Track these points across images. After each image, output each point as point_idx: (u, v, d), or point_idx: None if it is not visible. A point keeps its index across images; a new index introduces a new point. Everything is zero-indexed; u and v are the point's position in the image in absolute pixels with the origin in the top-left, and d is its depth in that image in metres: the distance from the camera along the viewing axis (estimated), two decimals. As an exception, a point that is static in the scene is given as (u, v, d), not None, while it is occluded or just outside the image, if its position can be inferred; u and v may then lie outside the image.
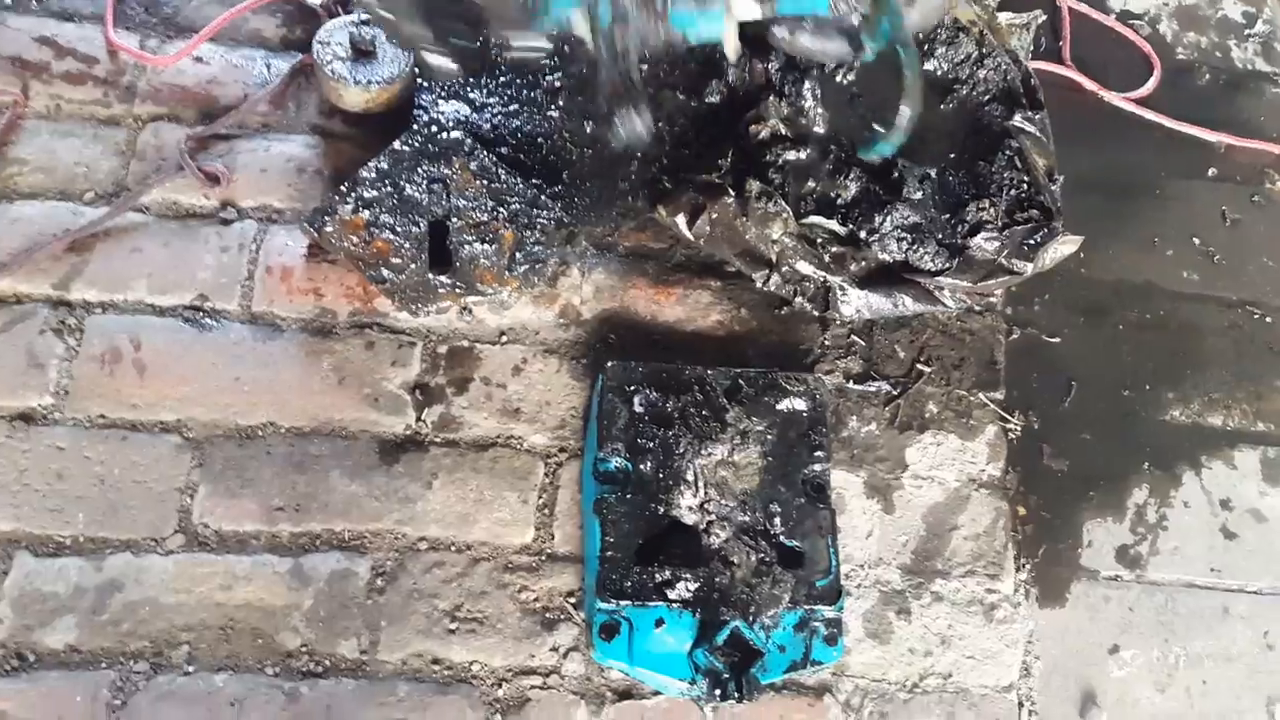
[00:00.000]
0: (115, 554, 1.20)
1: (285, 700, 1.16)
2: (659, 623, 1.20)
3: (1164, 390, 1.51)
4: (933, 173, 1.41)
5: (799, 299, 1.40)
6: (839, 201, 1.40)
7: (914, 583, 1.32)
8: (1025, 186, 1.41)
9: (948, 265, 1.37)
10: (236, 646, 1.18)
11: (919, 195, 1.39)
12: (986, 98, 1.49)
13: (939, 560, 1.34)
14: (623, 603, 1.20)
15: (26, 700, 1.13)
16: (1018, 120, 1.45)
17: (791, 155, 1.39)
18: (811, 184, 1.39)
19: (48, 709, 1.13)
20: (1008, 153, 1.43)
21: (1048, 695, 1.30)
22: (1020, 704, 1.29)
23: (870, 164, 1.40)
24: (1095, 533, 1.40)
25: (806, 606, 1.23)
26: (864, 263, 1.39)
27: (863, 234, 1.37)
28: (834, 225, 1.37)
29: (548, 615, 1.25)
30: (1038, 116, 1.45)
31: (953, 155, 1.44)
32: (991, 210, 1.38)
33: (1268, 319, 1.58)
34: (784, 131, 1.38)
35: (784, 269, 1.38)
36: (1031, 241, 1.38)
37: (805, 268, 1.38)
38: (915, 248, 1.37)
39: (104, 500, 1.22)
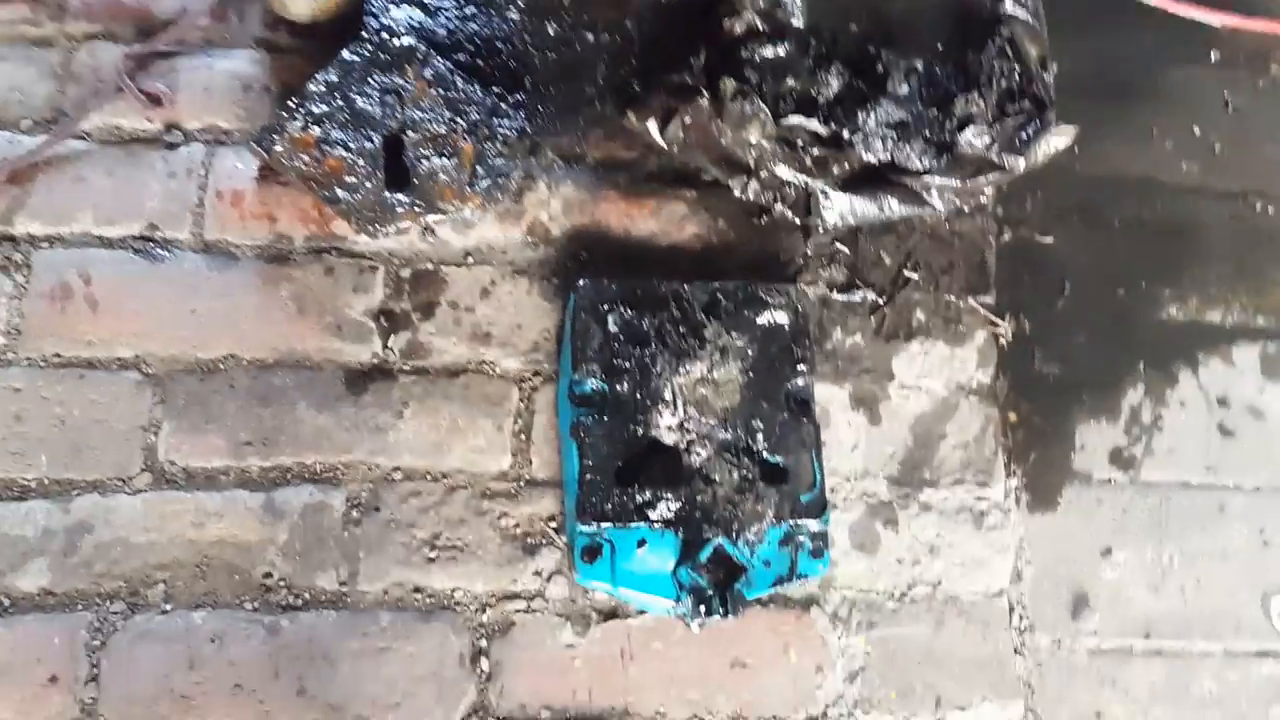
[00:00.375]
0: (82, 495, 1.17)
1: (266, 634, 1.14)
2: (641, 543, 1.17)
3: (1161, 288, 1.44)
4: (919, 65, 1.31)
5: (779, 206, 1.32)
6: (820, 100, 1.30)
7: (901, 493, 1.29)
8: (1017, 76, 1.31)
9: (935, 164, 1.29)
10: (213, 583, 1.16)
11: (905, 90, 1.29)
12: None
13: (927, 470, 1.31)
14: (604, 525, 1.16)
15: (4, 644, 1.11)
16: (1008, 6, 1.34)
17: (768, 51, 1.29)
18: (790, 82, 1.30)
19: (27, 652, 1.11)
20: (998, 41, 1.33)
21: (1039, 599, 1.28)
22: (1011, 608, 1.27)
23: (852, 58, 1.30)
24: (1088, 436, 1.36)
25: (791, 521, 1.20)
26: (847, 165, 1.31)
27: (845, 134, 1.28)
28: (815, 125, 1.29)
29: (529, 540, 1.22)
30: (1029, 2, 1.35)
31: (940, 45, 1.34)
32: (981, 103, 1.29)
33: (1270, 209, 1.51)
34: (760, 25, 1.29)
35: (763, 174, 1.30)
36: (1023, 135, 1.29)
37: (785, 172, 1.30)
38: (901, 146, 1.29)
39: (66, 441, 1.18)
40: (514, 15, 1.35)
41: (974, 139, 1.30)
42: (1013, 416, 1.35)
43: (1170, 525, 1.33)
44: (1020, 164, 1.31)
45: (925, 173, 1.31)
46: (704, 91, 1.27)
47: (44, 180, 1.27)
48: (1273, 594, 1.32)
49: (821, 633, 1.23)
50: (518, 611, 1.19)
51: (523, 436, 1.25)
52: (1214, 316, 1.44)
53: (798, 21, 1.33)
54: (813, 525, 1.20)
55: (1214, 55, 1.58)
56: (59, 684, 1.11)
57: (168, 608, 1.14)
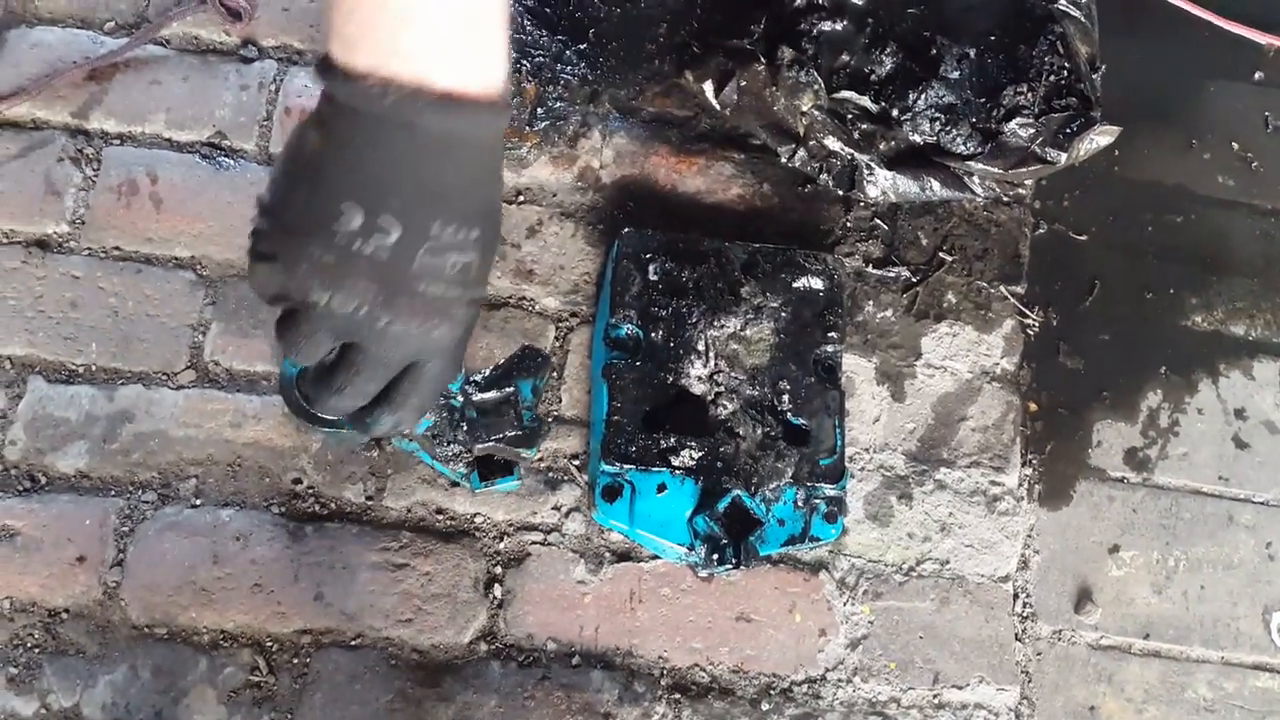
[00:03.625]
0: (127, 385, 1.14)
1: (289, 539, 1.11)
2: (661, 488, 1.12)
3: (1188, 296, 1.39)
4: (972, 52, 1.28)
5: (824, 176, 1.28)
6: (873, 78, 1.27)
7: (918, 469, 1.24)
8: (1065, 73, 1.27)
9: (980, 150, 1.25)
10: (243, 484, 1.12)
11: (955, 75, 1.26)
12: None
13: (945, 449, 1.25)
14: (626, 466, 1.13)
15: (38, 520, 1.08)
16: (1062, 3, 1.30)
17: (827, 26, 1.25)
18: (845, 58, 1.26)
19: (59, 530, 1.08)
20: (1050, 37, 1.29)
21: (1044, 588, 1.23)
22: (1015, 595, 1.22)
23: (907, 40, 1.26)
24: (1105, 433, 1.30)
25: (809, 483, 1.15)
26: (894, 142, 1.27)
27: (894, 112, 1.24)
28: (866, 101, 1.25)
29: (551, 475, 1.17)
30: (1084, 2, 1.31)
31: (993, 37, 1.30)
32: (1029, 96, 1.25)
33: (1301, 232, 1.45)
34: (821, 0, 1.25)
35: (811, 144, 1.26)
36: (1068, 130, 1.25)
37: (833, 143, 1.26)
38: (948, 129, 1.25)
39: (117, 331, 1.16)
40: (585, -31, 1.32)
41: (1019, 130, 1.26)
42: (1033, 406, 1.30)
43: (1179, 530, 1.27)
44: (1062, 158, 1.26)
45: (969, 157, 1.26)
46: (761, 58, 1.24)
47: (121, 81, 1.25)
48: (1274, 609, 1.26)
49: (828, 597, 1.17)
50: (534, 543, 1.15)
51: (555, 374, 1.21)
52: (1238, 329, 1.39)
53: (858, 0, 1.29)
54: (829, 489, 1.16)
55: (1258, 75, 1.53)
56: (85, 564, 1.07)
57: (197, 502, 1.11)
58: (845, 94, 1.25)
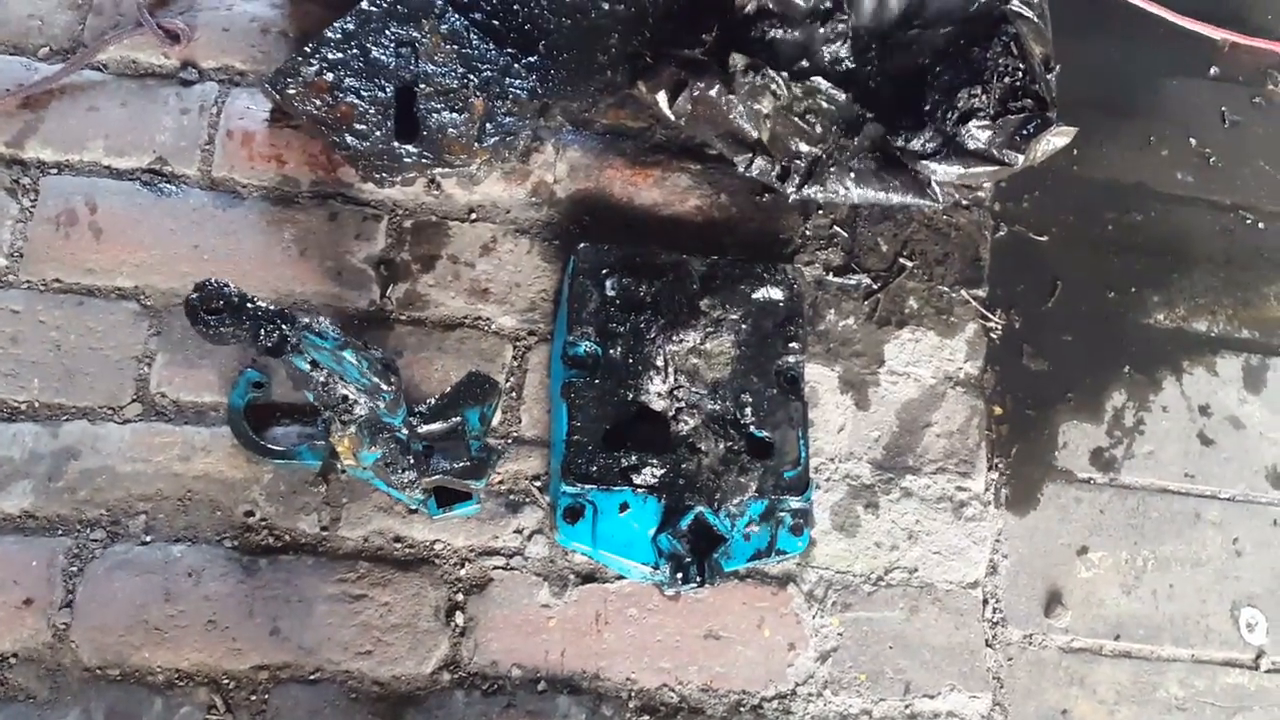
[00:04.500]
0: (71, 421, 1.09)
1: (243, 573, 1.06)
2: (623, 507, 1.09)
3: (1150, 293, 1.37)
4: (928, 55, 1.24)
5: (785, 182, 1.24)
6: (832, 70, 1.23)
7: (884, 478, 1.21)
8: (1020, 74, 1.24)
9: (938, 150, 1.22)
10: (194, 518, 1.08)
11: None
12: None
13: (910, 456, 1.23)
14: (587, 486, 1.09)
15: (-19, 563, 1.04)
16: (1016, 5, 1.27)
17: (778, 34, 1.22)
18: (803, 57, 1.22)
19: (4, 573, 1.03)
20: (1004, 39, 1.26)
21: (1013, 593, 1.20)
22: (985, 600, 1.19)
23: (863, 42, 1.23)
24: (1071, 434, 1.28)
25: (773, 496, 1.12)
26: (855, 139, 1.24)
27: (856, 107, 1.21)
28: (835, 90, 1.21)
29: (512, 497, 1.13)
30: (1037, 2, 1.28)
31: (947, 39, 1.27)
32: (984, 98, 1.22)
33: (1260, 224, 1.43)
34: (771, 6, 1.21)
35: (775, 144, 1.23)
36: (1024, 132, 1.22)
37: (796, 144, 1.23)
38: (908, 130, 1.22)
39: (60, 366, 1.11)
40: (534, -21, 1.28)
41: (976, 131, 1.22)
42: (998, 410, 1.27)
43: (1146, 529, 1.25)
44: (1020, 160, 1.23)
45: (928, 156, 1.23)
46: (715, 66, 1.20)
47: (57, 108, 1.20)
48: (1242, 604, 1.24)
49: (796, 610, 1.14)
50: (496, 568, 1.11)
51: (514, 394, 1.17)
52: (1200, 326, 1.37)
53: (803, 3, 1.25)
54: (794, 502, 1.13)
55: (1213, 70, 1.51)
56: (33, 606, 1.03)
57: (148, 539, 1.06)
58: (815, 80, 1.22)
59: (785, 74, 1.19)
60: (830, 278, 1.29)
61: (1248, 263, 1.40)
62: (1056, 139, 1.24)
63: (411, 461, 1.00)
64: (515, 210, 1.25)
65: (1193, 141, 1.46)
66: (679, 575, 1.08)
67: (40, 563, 1.04)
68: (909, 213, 1.32)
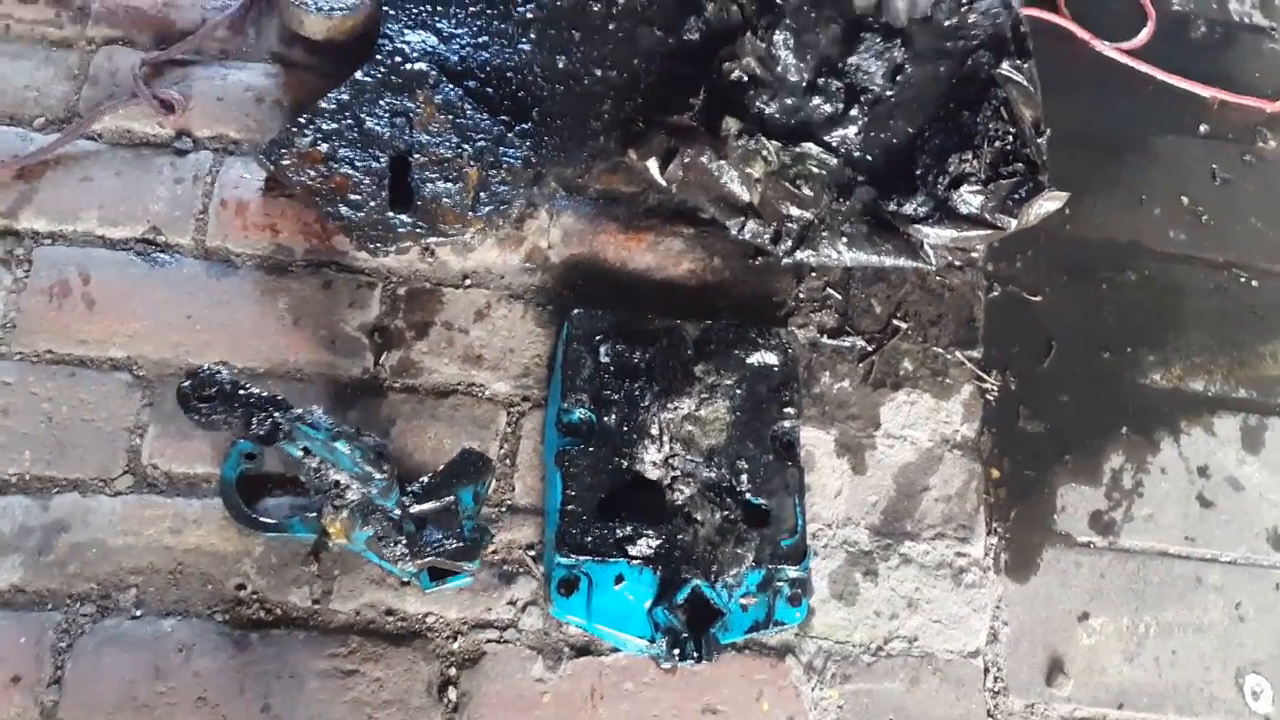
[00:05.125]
0: (62, 494, 1.07)
1: (234, 648, 1.04)
2: (618, 579, 1.07)
3: (1145, 353, 1.35)
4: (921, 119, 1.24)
5: (777, 245, 1.23)
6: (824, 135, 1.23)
7: (882, 544, 1.19)
8: (1010, 139, 1.24)
9: (931, 214, 1.21)
10: (185, 591, 1.05)
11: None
12: (975, 44, 1.31)
13: (909, 522, 1.20)
14: (582, 558, 1.07)
15: (-31, 640, 1.02)
16: (1005, 69, 1.27)
17: (769, 107, 1.21)
18: (791, 125, 1.22)
19: (-9, 650, 1.02)
20: (993, 103, 1.25)
21: (1015, 661, 1.17)
22: (986, 670, 1.16)
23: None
24: (1069, 497, 1.25)
25: (771, 566, 1.10)
26: (847, 203, 1.23)
27: (849, 171, 1.20)
28: (825, 154, 1.20)
29: (506, 568, 1.11)
30: (1025, 66, 1.27)
31: (937, 103, 1.26)
32: (974, 162, 1.21)
33: (1254, 282, 1.42)
34: (759, 73, 1.21)
35: (766, 208, 1.22)
36: (1016, 196, 1.21)
37: (787, 208, 1.22)
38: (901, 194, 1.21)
39: (51, 438, 1.09)
40: (526, 47, 1.28)
41: (968, 197, 1.22)
42: (995, 473, 1.25)
43: (1147, 594, 1.22)
44: (1012, 224, 1.23)
45: (920, 220, 1.22)
46: (704, 132, 1.19)
47: (52, 178, 1.19)
48: (1247, 671, 1.21)
49: (795, 683, 1.11)
50: (489, 641, 1.08)
51: (508, 461, 1.15)
52: (1197, 385, 1.35)
53: (793, 77, 1.25)
54: (792, 571, 1.10)
55: (1203, 128, 1.51)
56: (20, 684, 1.00)
57: (138, 613, 1.04)
58: (806, 146, 1.21)
59: (776, 142, 1.19)
60: (824, 340, 1.27)
61: (1242, 321, 1.38)
62: (1048, 204, 1.23)
63: (405, 541, 0.98)
64: (509, 276, 1.24)
65: (1185, 199, 1.45)
66: (676, 650, 1.05)
67: (29, 639, 1.02)
68: (902, 274, 1.30)
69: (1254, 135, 1.52)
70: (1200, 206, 1.45)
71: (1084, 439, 1.29)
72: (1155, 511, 1.27)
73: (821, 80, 1.23)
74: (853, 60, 1.26)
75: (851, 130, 1.25)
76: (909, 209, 1.22)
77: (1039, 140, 1.26)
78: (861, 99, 1.26)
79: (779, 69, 1.24)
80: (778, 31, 1.24)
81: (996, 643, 1.18)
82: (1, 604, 1.03)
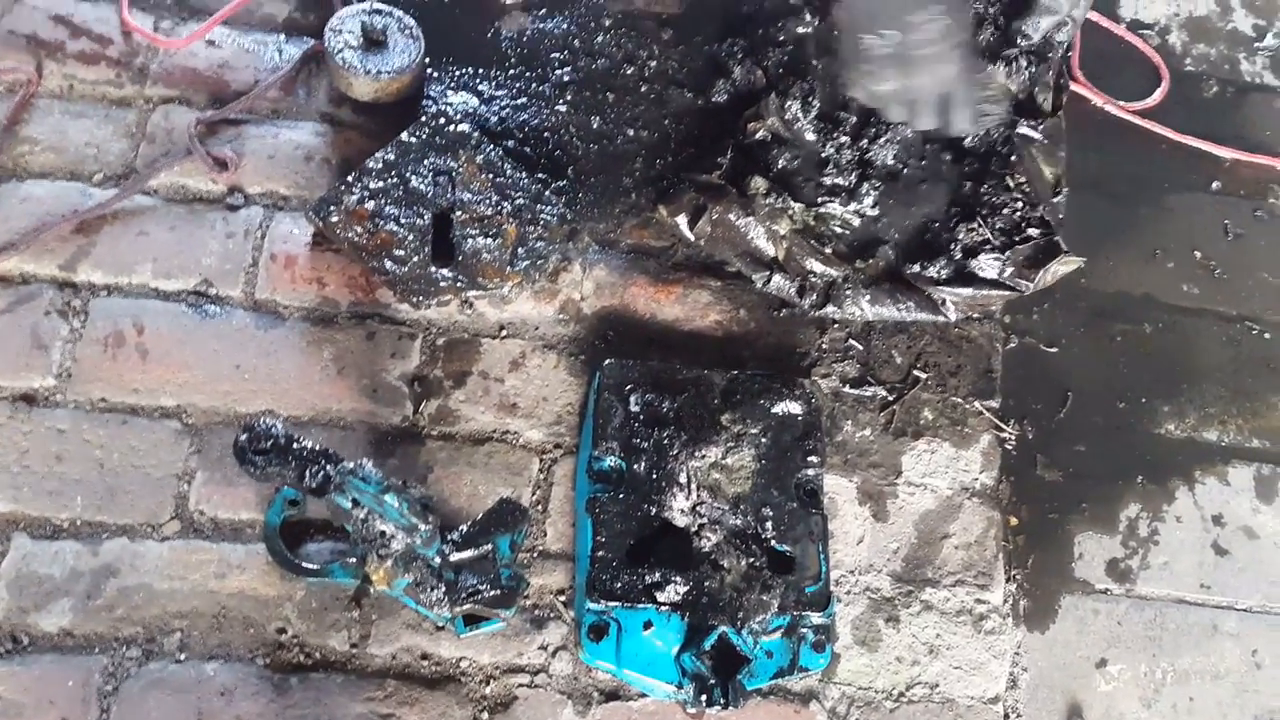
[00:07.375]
0: (111, 539, 1.07)
1: (274, 691, 1.03)
2: (647, 625, 1.05)
3: (1160, 403, 1.33)
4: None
5: (802, 299, 1.22)
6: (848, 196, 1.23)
7: (904, 590, 1.17)
8: (1020, 206, 1.23)
9: (951, 276, 1.20)
10: (228, 635, 1.05)
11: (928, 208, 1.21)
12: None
13: (929, 569, 1.19)
14: (612, 604, 1.05)
15: (19, 683, 1.00)
16: (1023, 128, 1.26)
17: (788, 155, 1.21)
18: (820, 180, 1.22)
19: (40, 692, 1.00)
20: (1003, 170, 1.24)
21: (1034, 707, 1.15)
22: (1006, 716, 1.14)
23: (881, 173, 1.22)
24: (1086, 545, 1.23)
25: (795, 612, 1.08)
26: (870, 262, 1.23)
27: (871, 229, 1.19)
28: (849, 215, 1.20)
29: (537, 613, 1.10)
30: (1049, 123, 1.26)
31: (950, 169, 1.25)
32: (981, 231, 1.21)
33: (1266, 335, 1.40)
34: (782, 132, 1.21)
35: (790, 264, 1.21)
36: (1033, 259, 1.20)
37: (811, 264, 1.21)
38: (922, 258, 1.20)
39: (102, 484, 1.09)
40: (561, 108, 1.28)
41: (986, 263, 1.21)
42: (1014, 521, 1.23)
43: (1164, 641, 1.20)
44: (1029, 287, 1.22)
45: (941, 283, 1.22)
46: (732, 190, 1.19)
47: (109, 232, 1.20)
48: (1264, 717, 1.18)
49: (819, 727, 1.10)
50: (520, 686, 1.07)
51: (540, 507, 1.14)
52: (1211, 435, 1.33)
53: (811, 137, 1.24)
54: (816, 618, 1.09)
55: (1215, 185, 1.49)
56: (67, 726, 1.00)
57: (182, 657, 1.03)
58: (829, 208, 1.21)
59: (800, 203, 1.18)
60: (847, 390, 1.26)
61: (1255, 372, 1.36)
62: (1063, 267, 1.22)
63: (443, 588, 0.97)
64: (544, 327, 1.24)
65: (1197, 254, 1.43)
66: (703, 697, 1.03)
67: (76, 682, 1.01)
68: (922, 326, 1.29)
69: (1265, 191, 1.50)
70: (1213, 261, 1.43)
71: (1100, 487, 1.27)
72: (1171, 559, 1.25)
73: (835, 153, 1.24)
74: (864, 143, 1.26)
75: (868, 202, 1.25)
76: (930, 272, 1.21)
77: (1055, 199, 1.25)
78: (873, 177, 1.25)
79: (798, 128, 1.24)
80: (795, 101, 1.24)
81: (1016, 689, 1.16)
82: (51, 647, 1.02)
